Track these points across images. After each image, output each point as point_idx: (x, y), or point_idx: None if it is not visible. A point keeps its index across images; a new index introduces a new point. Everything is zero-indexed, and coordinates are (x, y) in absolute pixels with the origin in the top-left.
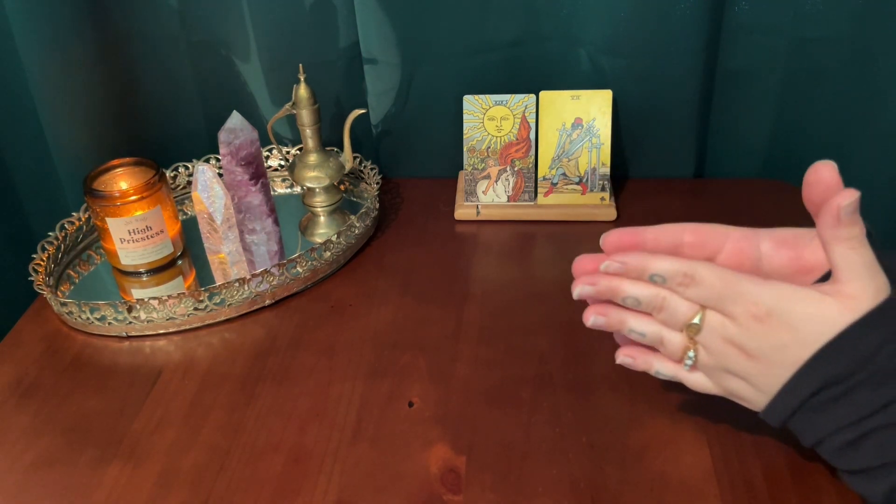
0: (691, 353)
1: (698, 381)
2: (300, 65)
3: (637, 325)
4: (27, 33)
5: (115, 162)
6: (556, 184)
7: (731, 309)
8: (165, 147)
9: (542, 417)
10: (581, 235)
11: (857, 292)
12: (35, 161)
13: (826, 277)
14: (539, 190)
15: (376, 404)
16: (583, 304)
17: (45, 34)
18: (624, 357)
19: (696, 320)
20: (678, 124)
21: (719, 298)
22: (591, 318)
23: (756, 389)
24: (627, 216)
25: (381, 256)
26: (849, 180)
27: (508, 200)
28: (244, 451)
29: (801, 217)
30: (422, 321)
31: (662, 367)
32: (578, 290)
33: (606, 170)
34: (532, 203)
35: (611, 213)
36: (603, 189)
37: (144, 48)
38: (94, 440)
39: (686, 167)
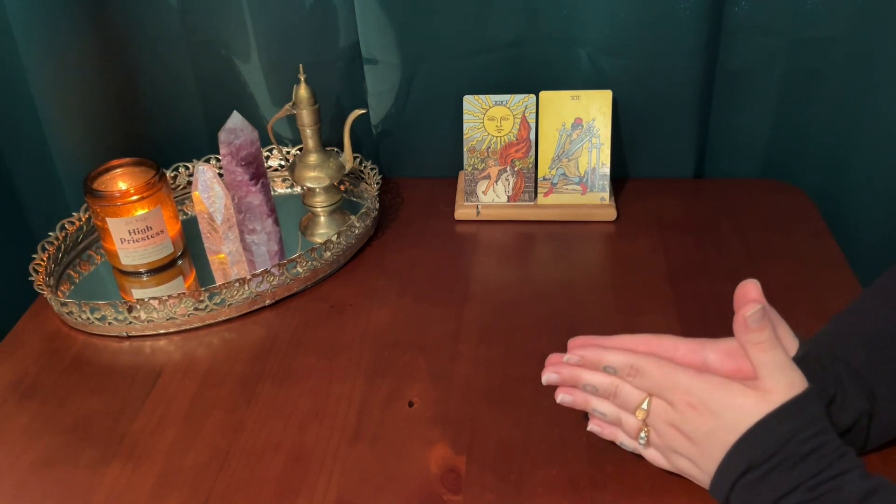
0: (643, 434)
1: (654, 458)
2: (300, 65)
3: (599, 406)
4: (27, 33)
5: (116, 162)
6: (556, 184)
7: (670, 397)
8: (165, 147)
9: (542, 417)
10: (581, 235)
11: (772, 387)
12: (35, 161)
13: None
14: (539, 190)
15: (376, 404)
16: (581, 306)
17: (45, 34)
18: (593, 426)
19: (643, 406)
20: (678, 124)
21: (660, 387)
22: (560, 396)
23: (699, 470)
24: (627, 216)
25: (381, 256)
26: (849, 180)
27: (508, 200)
28: (244, 451)
29: (800, 217)
30: (422, 321)
31: (625, 440)
32: (546, 377)
33: (606, 170)
34: (532, 203)
35: (611, 213)
36: (603, 189)
37: (145, 48)
38: (94, 440)
39: (686, 167)
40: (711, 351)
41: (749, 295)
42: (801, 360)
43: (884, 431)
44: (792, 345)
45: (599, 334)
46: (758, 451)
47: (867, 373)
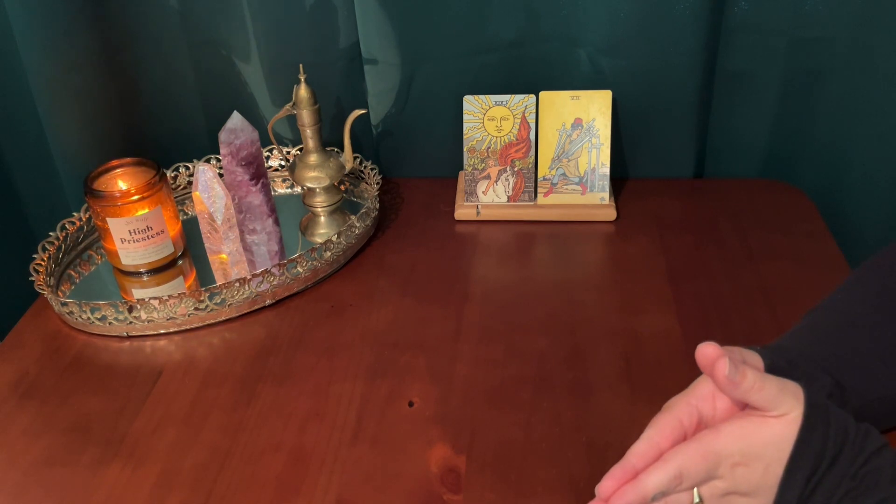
0: None
1: None
2: (300, 65)
3: None
4: (27, 33)
5: (116, 162)
6: (556, 184)
7: (717, 472)
8: (166, 147)
9: (542, 417)
10: (581, 235)
11: (785, 408)
12: (35, 161)
13: None
14: (539, 190)
15: (376, 404)
16: (582, 306)
17: (45, 34)
18: None
19: (696, 500)
20: (678, 124)
21: (708, 473)
22: None
23: None
24: (627, 216)
25: (381, 256)
26: (849, 180)
27: (508, 200)
28: (244, 450)
29: (800, 217)
30: (422, 321)
31: None
32: None
33: (606, 170)
34: (532, 203)
35: (611, 214)
36: (603, 189)
37: (145, 48)
38: (94, 440)
39: (686, 167)
40: (721, 401)
41: (710, 355)
42: (770, 370)
43: (858, 418)
44: (755, 361)
45: (599, 334)
46: (806, 469)
47: (829, 364)
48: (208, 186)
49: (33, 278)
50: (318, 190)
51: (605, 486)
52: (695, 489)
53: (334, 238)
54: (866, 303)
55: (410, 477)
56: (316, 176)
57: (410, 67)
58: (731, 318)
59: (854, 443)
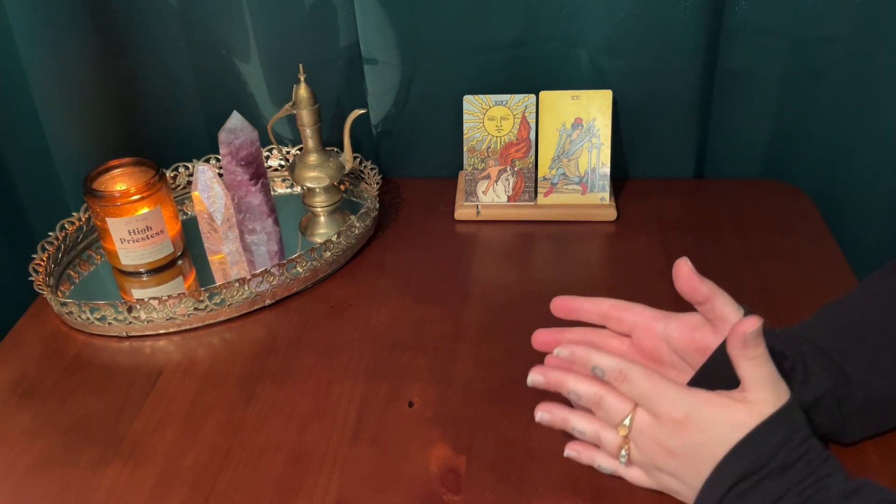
0: (624, 451)
1: (635, 476)
2: (300, 65)
3: (578, 423)
4: (27, 33)
5: (115, 162)
6: (556, 184)
7: (656, 409)
8: (165, 147)
9: None
10: (581, 235)
11: (761, 399)
12: (35, 161)
13: (721, 351)
14: (539, 190)
15: (376, 404)
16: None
17: (45, 34)
18: (570, 451)
19: (626, 422)
20: (678, 124)
21: (647, 398)
22: (539, 414)
23: (684, 484)
24: (627, 216)
25: (381, 256)
26: (849, 180)
27: (508, 200)
28: (244, 451)
29: (800, 217)
30: (422, 321)
31: (604, 462)
32: (531, 378)
33: (606, 170)
34: (532, 203)
35: (611, 214)
36: (603, 189)
37: (145, 48)
38: (94, 440)
39: (686, 167)
40: (674, 321)
41: (745, 324)
42: (777, 354)
43: (862, 411)
44: (735, 314)
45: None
46: (749, 461)
47: (838, 354)
48: (208, 186)
49: (33, 278)
50: (317, 190)
51: (566, 333)
52: (629, 415)
53: (334, 238)
54: (882, 301)
55: (410, 477)
56: (316, 176)
57: (410, 67)
58: None
59: (810, 462)
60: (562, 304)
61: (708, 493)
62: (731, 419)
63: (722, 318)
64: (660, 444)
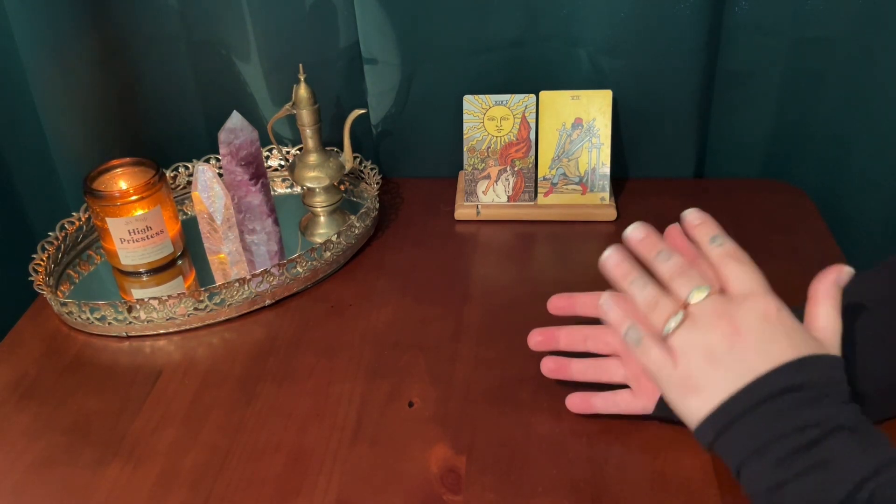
0: (679, 315)
1: (653, 358)
2: (300, 65)
3: (639, 278)
4: (27, 33)
5: (115, 162)
6: (556, 184)
7: (748, 289)
8: (165, 147)
9: (542, 417)
10: (581, 235)
11: (828, 340)
12: (35, 161)
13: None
14: (539, 190)
15: (376, 404)
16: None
17: (45, 34)
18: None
19: (701, 292)
20: (678, 124)
21: (745, 277)
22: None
23: (713, 381)
24: (627, 216)
25: (381, 256)
26: (849, 180)
27: (508, 200)
28: (244, 451)
29: (800, 217)
30: (422, 321)
31: (634, 330)
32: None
33: (606, 170)
34: (532, 203)
35: (611, 214)
36: (603, 189)
37: (145, 48)
38: (94, 440)
39: (686, 167)
40: None
41: (842, 268)
42: None
43: (860, 400)
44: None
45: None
46: (803, 377)
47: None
48: (208, 186)
49: (33, 278)
50: (317, 190)
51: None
52: (706, 288)
53: (334, 238)
54: (880, 289)
55: (410, 477)
56: (316, 176)
57: (410, 67)
58: None
59: (852, 410)
60: (558, 302)
61: (749, 393)
62: (807, 336)
63: None
64: (730, 318)
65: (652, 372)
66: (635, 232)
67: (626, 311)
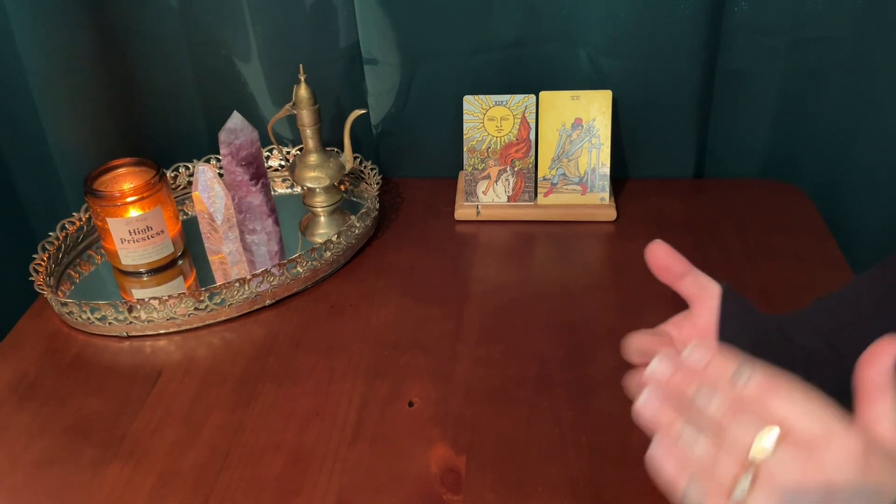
0: (747, 479)
1: None
2: (300, 65)
3: (690, 433)
4: (27, 33)
5: (116, 162)
6: (556, 184)
7: (810, 430)
8: (166, 147)
9: (542, 417)
10: (581, 235)
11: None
12: (35, 161)
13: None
14: (539, 190)
15: (376, 404)
16: (582, 306)
17: (45, 34)
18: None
19: (766, 441)
20: (678, 124)
21: (801, 413)
22: (644, 396)
23: None
24: (627, 216)
25: (381, 256)
26: (849, 180)
27: (508, 200)
28: (244, 451)
29: (800, 217)
30: (422, 321)
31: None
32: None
33: (606, 170)
34: (532, 203)
35: (611, 214)
36: (603, 189)
37: (145, 48)
38: (94, 440)
39: (686, 167)
40: (674, 326)
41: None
42: (759, 334)
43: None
44: (712, 286)
45: (599, 334)
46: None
47: (830, 332)
48: (208, 186)
49: (33, 278)
50: (318, 190)
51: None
52: (771, 435)
53: (334, 238)
54: (876, 284)
55: (410, 477)
56: (316, 176)
57: (410, 67)
58: None
59: None
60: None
61: None
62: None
63: (701, 288)
64: (815, 471)
65: None
66: (661, 367)
67: (681, 460)
